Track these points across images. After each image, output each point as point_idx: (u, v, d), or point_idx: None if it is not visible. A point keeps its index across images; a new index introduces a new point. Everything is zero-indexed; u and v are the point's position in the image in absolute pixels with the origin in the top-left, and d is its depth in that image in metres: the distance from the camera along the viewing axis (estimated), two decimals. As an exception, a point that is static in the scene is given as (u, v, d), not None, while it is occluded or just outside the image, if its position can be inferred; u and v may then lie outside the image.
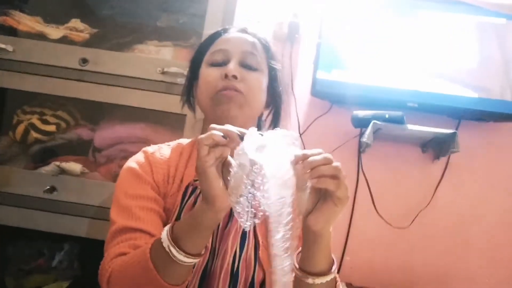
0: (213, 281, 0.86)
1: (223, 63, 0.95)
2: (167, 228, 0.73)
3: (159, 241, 0.72)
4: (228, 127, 0.67)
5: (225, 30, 1.02)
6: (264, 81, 0.98)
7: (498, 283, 1.81)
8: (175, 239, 0.71)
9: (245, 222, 0.64)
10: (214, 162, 0.65)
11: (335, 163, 0.66)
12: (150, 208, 0.87)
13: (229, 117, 0.91)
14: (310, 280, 0.73)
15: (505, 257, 1.82)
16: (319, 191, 0.69)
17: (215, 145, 0.65)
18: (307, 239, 0.72)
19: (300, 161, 0.65)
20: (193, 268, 0.84)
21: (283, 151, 0.66)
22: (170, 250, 0.70)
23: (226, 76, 0.91)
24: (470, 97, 1.79)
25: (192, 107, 1.08)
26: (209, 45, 1.00)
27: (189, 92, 1.06)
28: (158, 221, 0.87)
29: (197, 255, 0.72)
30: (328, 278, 0.75)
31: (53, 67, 1.47)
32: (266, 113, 1.07)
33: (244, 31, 1.01)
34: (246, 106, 0.93)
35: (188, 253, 0.70)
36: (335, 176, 0.65)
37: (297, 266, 0.75)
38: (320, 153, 0.66)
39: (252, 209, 0.64)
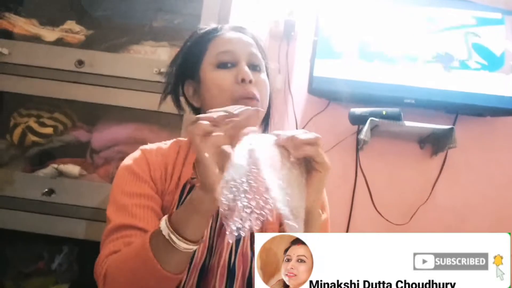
0: (211, 278, 0.86)
1: (231, 65, 0.92)
2: (165, 217, 0.73)
3: (158, 231, 0.72)
4: (212, 114, 0.68)
5: (220, 28, 0.98)
6: (268, 81, 0.97)
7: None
8: (174, 227, 0.71)
9: (232, 227, 0.63)
10: (210, 150, 0.66)
11: (313, 134, 0.71)
12: (147, 205, 0.87)
13: (247, 125, 0.91)
14: None
15: (504, 251, 1.83)
16: (303, 169, 0.72)
17: (208, 133, 0.66)
18: None
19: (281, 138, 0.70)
20: (191, 264, 0.85)
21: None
22: (170, 238, 0.70)
23: (242, 80, 0.89)
24: (467, 92, 1.79)
25: (179, 107, 1.05)
26: (207, 44, 0.96)
27: (176, 91, 1.03)
28: (155, 218, 0.87)
29: (197, 241, 0.73)
30: None
31: (49, 69, 1.47)
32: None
33: (241, 30, 0.98)
34: (261, 112, 0.93)
35: (188, 240, 0.71)
36: (312, 143, 0.70)
37: None
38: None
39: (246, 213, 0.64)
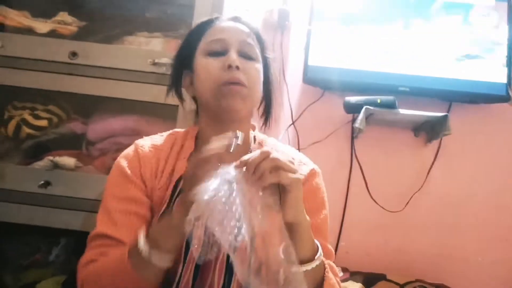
0: (208, 273, 0.86)
1: (222, 53, 0.93)
2: (143, 231, 0.78)
3: (135, 241, 0.77)
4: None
5: (216, 19, 1.00)
6: (261, 71, 0.98)
7: (490, 262, 1.83)
8: (151, 240, 0.75)
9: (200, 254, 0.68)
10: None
11: (271, 156, 0.70)
12: (131, 211, 0.89)
13: (233, 111, 0.91)
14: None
15: (497, 236, 1.85)
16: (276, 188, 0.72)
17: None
18: (288, 231, 0.73)
19: (243, 167, 0.69)
20: (186, 257, 0.85)
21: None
22: (145, 248, 0.75)
23: (229, 66, 0.90)
24: (461, 79, 1.80)
25: (181, 98, 1.07)
26: (201, 34, 0.98)
27: (177, 81, 1.04)
28: (137, 225, 0.88)
29: (171, 254, 0.77)
30: (313, 264, 0.78)
31: (42, 61, 1.46)
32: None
33: (237, 20, 1.00)
34: (249, 98, 0.93)
35: (162, 253, 0.75)
36: (274, 168, 0.69)
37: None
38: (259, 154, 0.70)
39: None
